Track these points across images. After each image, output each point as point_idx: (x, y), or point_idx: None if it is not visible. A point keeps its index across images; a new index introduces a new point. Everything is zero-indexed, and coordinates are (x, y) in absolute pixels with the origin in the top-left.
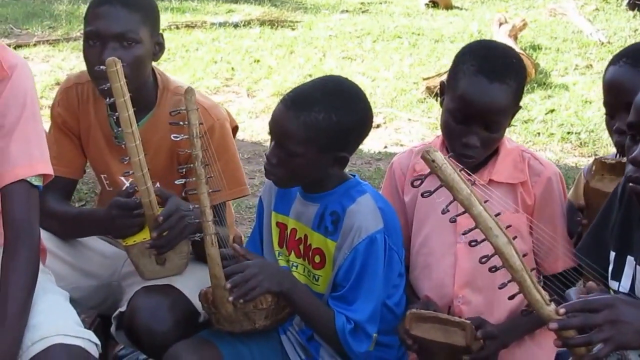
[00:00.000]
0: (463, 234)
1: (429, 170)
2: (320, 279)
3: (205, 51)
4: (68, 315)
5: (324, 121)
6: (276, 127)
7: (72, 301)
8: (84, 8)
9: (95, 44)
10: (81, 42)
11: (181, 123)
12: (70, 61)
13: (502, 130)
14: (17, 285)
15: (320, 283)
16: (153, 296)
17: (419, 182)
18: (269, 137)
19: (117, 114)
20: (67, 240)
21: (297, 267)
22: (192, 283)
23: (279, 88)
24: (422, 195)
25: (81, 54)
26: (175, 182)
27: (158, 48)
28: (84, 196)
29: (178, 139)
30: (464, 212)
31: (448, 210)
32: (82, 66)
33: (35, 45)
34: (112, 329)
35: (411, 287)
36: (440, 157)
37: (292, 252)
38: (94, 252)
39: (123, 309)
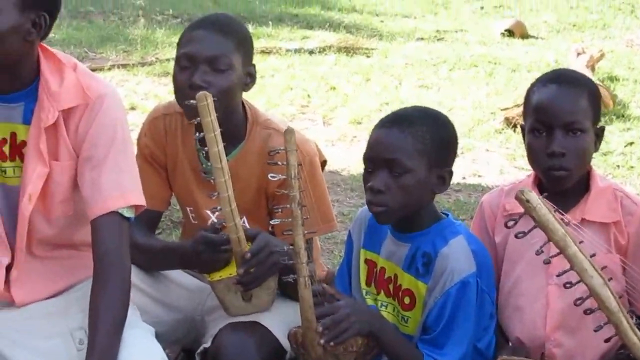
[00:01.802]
0: (557, 276)
1: (520, 210)
2: (409, 320)
3: (281, 77)
4: (154, 351)
5: (428, 133)
6: (381, 148)
7: (156, 335)
8: (159, 33)
9: (186, 67)
10: (156, 66)
11: (279, 163)
12: (144, 85)
13: (585, 135)
14: (107, 318)
15: (409, 324)
16: (239, 333)
17: (512, 222)
18: (346, 165)
19: (206, 148)
20: (151, 273)
21: (386, 306)
22: (278, 320)
23: (356, 116)
24: (516, 236)
25: (156, 79)
26: (271, 222)
27: (249, 79)
28: (161, 224)
29: (275, 179)
30: (558, 254)
31: (542, 251)
32: (156, 91)
33: (109, 69)
34: None
35: (501, 328)
36: (534, 197)
37: (382, 292)
38: (178, 286)
39: (207, 344)
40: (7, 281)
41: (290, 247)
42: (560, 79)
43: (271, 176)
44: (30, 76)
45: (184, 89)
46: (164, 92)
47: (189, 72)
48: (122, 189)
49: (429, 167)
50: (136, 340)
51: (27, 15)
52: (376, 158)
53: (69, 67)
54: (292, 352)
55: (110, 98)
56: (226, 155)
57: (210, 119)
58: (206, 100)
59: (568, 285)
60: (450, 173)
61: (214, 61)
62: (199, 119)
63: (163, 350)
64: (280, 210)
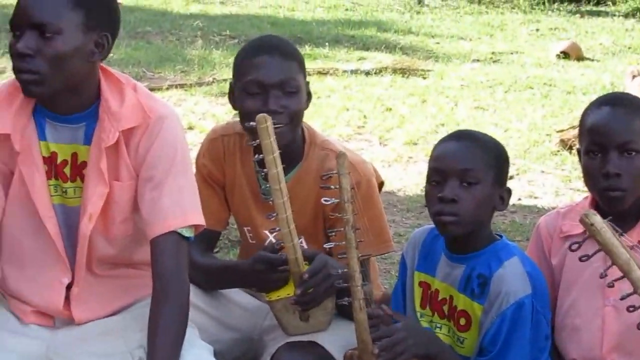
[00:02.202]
0: (621, 299)
1: (577, 231)
2: (465, 341)
3: (337, 98)
4: None
5: (494, 150)
6: (453, 159)
7: (214, 354)
8: (216, 53)
9: (257, 93)
10: (213, 86)
11: (332, 187)
12: (202, 105)
13: None
14: (166, 337)
15: (465, 345)
16: (297, 353)
17: (576, 245)
18: (402, 186)
19: (265, 170)
20: (209, 293)
21: (440, 328)
22: (335, 340)
23: (411, 137)
24: (580, 259)
25: (213, 99)
26: (325, 246)
27: (308, 97)
28: (219, 243)
29: (329, 202)
30: (622, 277)
31: (606, 275)
32: (213, 111)
33: (167, 89)
34: None
35: (557, 349)
36: (599, 220)
37: (436, 313)
38: (236, 305)
39: None
40: (67, 299)
41: (346, 270)
42: (614, 101)
43: (324, 200)
44: (91, 97)
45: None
46: (221, 112)
47: (260, 98)
48: (182, 209)
49: (494, 183)
50: (195, 357)
51: (90, 36)
52: (447, 168)
53: (129, 87)
54: None
55: (170, 119)
56: (284, 176)
57: (270, 140)
58: (266, 123)
59: (631, 309)
60: (509, 192)
61: (284, 85)
62: (258, 141)
63: None
64: (334, 233)
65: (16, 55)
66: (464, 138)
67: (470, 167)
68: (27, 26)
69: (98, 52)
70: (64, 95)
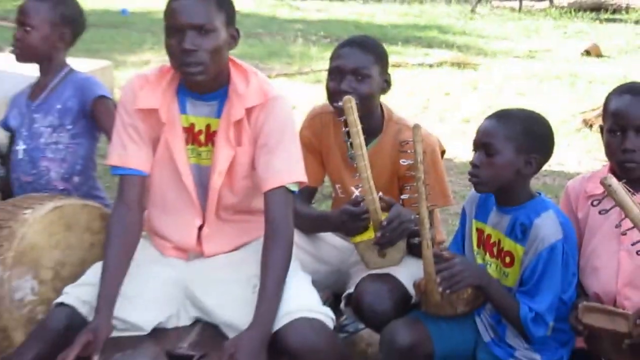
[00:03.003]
0: (632, 245)
1: (598, 192)
2: (509, 275)
3: (407, 85)
4: (311, 294)
5: (518, 125)
6: (480, 134)
7: (312, 282)
8: (313, 50)
9: (336, 78)
10: (310, 76)
11: (408, 151)
12: (303, 91)
13: None
14: (275, 268)
15: (509, 278)
16: (376, 282)
17: (597, 202)
18: (457, 154)
19: (350, 140)
20: (308, 235)
21: (490, 265)
22: (406, 273)
23: (465, 116)
24: (600, 212)
25: (310, 85)
26: (401, 197)
27: (386, 85)
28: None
29: (405, 163)
30: (632, 227)
31: (620, 225)
32: (310, 94)
33: (275, 77)
34: (342, 305)
35: (581, 285)
36: (615, 182)
37: (487, 253)
38: (329, 245)
39: (351, 290)
40: (198, 238)
41: (416, 216)
42: (633, 90)
43: (402, 161)
44: (223, 81)
45: (335, 94)
46: (316, 96)
47: (337, 81)
48: (289, 168)
49: (517, 152)
50: (297, 286)
51: (229, 31)
52: (477, 141)
53: (252, 74)
54: (416, 298)
55: (282, 99)
56: (366, 145)
57: (354, 117)
58: (350, 103)
59: None
60: (537, 159)
61: (356, 72)
62: (345, 117)
63: (317, 293)
64: (409, 187)
65: (182, 51)
66: (495, 117)
67: (488, 141)
68: (188, 27)
69: (234, 43)
70: (211, 80)
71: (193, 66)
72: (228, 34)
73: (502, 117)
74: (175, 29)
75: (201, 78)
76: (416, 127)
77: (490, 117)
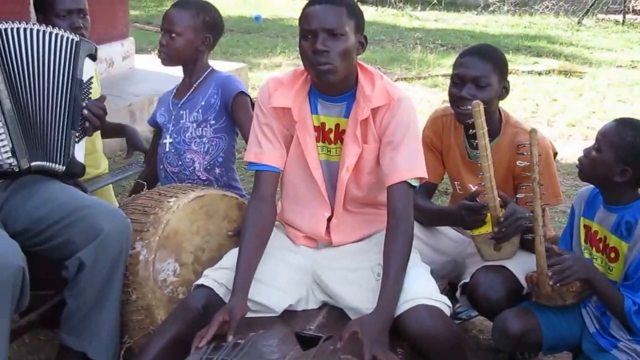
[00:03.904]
0: None
1: None
2: (614, 270)
3: (518, 91)
4: (429, 283)
5: (630, 137)
6: (598, 132)
7: (430, 272)
8: (430, 56)
9: (457, 84)
10: (428, 80)
11: (524, 153)
12: (420, 94)
13: None
14: (396, 258)
15: (613, 273)
16: (490, 273)
17: None
18: (564, 156)
19: (472, 140)
20: (427, 228)
21: (596, 259)
22: (518, 266)
23: (571, 121)
24: None
25: (428, 89)
26: (517, 196)
27: (504, 91)
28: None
29: (522, 164)
30: None
31: None
32: (428, 97)
33: (395, 81)
34: (457, 293)
35: None
36: None
37: (594, 248)
38: (447, 237)
39: (467, 280)
40: (327, 228)
41: (531, 214)
42: None
43: (519, 163)
44: (352, 84)
45: (457, 101)
46: (433, 99)
47: (460, 88)
48: (411, 165)
49: (616, 159)
50: (417, 275)
51: (358, 37)
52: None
53: (378, 77)
54: (527, 289)
55: (406, 101)
56: None
57: (481, 120)
58: (478, 107)
59: None
60: (630, 173)
61: (477, 80)
62: (472, 120)
63: (435, 281)
64: (524, 187)
65: (315, 52)
66: (621, 122)
67: (599, 139)
68: (321, 31)
69: (361, 49)
70: (340, 82)
71: (324, 65)
72: (356, 40)
73: (622, 124)
74: (309, 32)
75: (331, 77)
76: (533, 131)
77: (616, 120)
